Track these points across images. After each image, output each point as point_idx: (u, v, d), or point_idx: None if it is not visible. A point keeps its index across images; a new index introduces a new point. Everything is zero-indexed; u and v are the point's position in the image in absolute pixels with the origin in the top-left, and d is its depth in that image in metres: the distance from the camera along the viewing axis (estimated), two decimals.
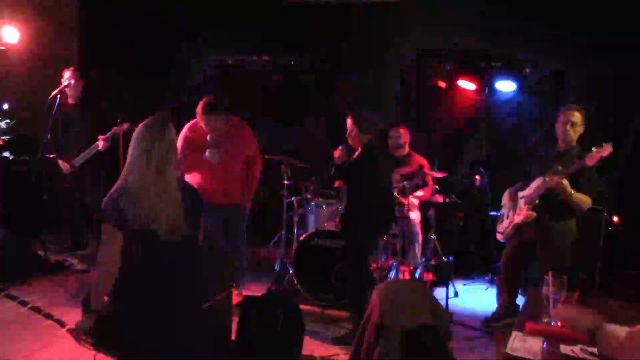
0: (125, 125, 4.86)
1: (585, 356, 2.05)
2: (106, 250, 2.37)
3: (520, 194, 4.23)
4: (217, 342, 2.58)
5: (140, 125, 2.43)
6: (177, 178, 2.42)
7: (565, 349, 2.10)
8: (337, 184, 4.97)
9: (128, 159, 2.40)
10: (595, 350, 1.98)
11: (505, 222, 4.30)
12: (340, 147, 4.16)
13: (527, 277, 4.63)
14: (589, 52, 5.04)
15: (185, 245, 2.42)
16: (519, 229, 4.16)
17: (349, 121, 4.11)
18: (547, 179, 3.85)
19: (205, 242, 3.55)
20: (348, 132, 4.12)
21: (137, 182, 2.33)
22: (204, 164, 4.21)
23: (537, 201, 4.02)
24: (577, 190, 3.79)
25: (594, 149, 3.67)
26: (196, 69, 6.59)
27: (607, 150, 3.64)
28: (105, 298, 2.40)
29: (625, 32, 4.83)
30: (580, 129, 3.97)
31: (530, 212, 4.02)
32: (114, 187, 2.39)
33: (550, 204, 3.95)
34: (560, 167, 3.83)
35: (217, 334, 3.26)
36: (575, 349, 2.09)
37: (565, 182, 3.74)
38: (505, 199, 4.39)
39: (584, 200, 3.81)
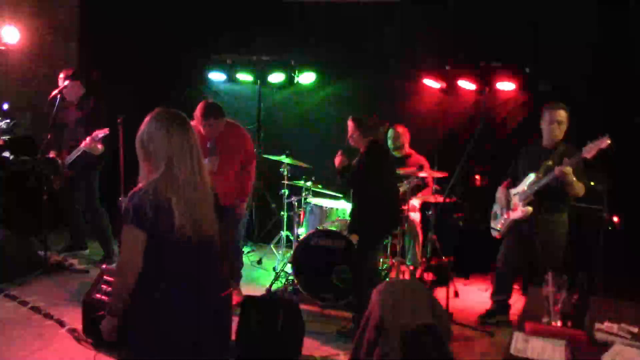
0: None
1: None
2: (127, 254, 2.20)
3: (513, 190, 4.28)
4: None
5: (164, 120, 2.23)
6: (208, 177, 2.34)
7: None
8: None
9: (161, 156, 2.18)
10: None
11: (501, 219, 4.33)
12: (339, 152, 4.16)
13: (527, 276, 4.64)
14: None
15: (211, 246, 2.34)
16: (514, 225, 4.23)
17: (350, 123, 4.12)
18: (557, 168, 3.85)
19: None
20: (349, 134, 4.13)
21: (184, 181, 2.17)
22: None
23: (532, 197, 4.08)
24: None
25: (589, 143, 3.72)
26: (197, 68, 6.58)
27: (604, 142, 3.67)
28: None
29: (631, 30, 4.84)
30: (565, 126, 4.07)
31: (527, 208, 4.09)
32: (145, 186, 2.16)
33: (543, 199, 4.05)
34: (550, 163, 3.96)
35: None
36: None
37: (569, 169, 3.80)
38: (499, 196, 4.42)
39: (580, 186, 3.92)
